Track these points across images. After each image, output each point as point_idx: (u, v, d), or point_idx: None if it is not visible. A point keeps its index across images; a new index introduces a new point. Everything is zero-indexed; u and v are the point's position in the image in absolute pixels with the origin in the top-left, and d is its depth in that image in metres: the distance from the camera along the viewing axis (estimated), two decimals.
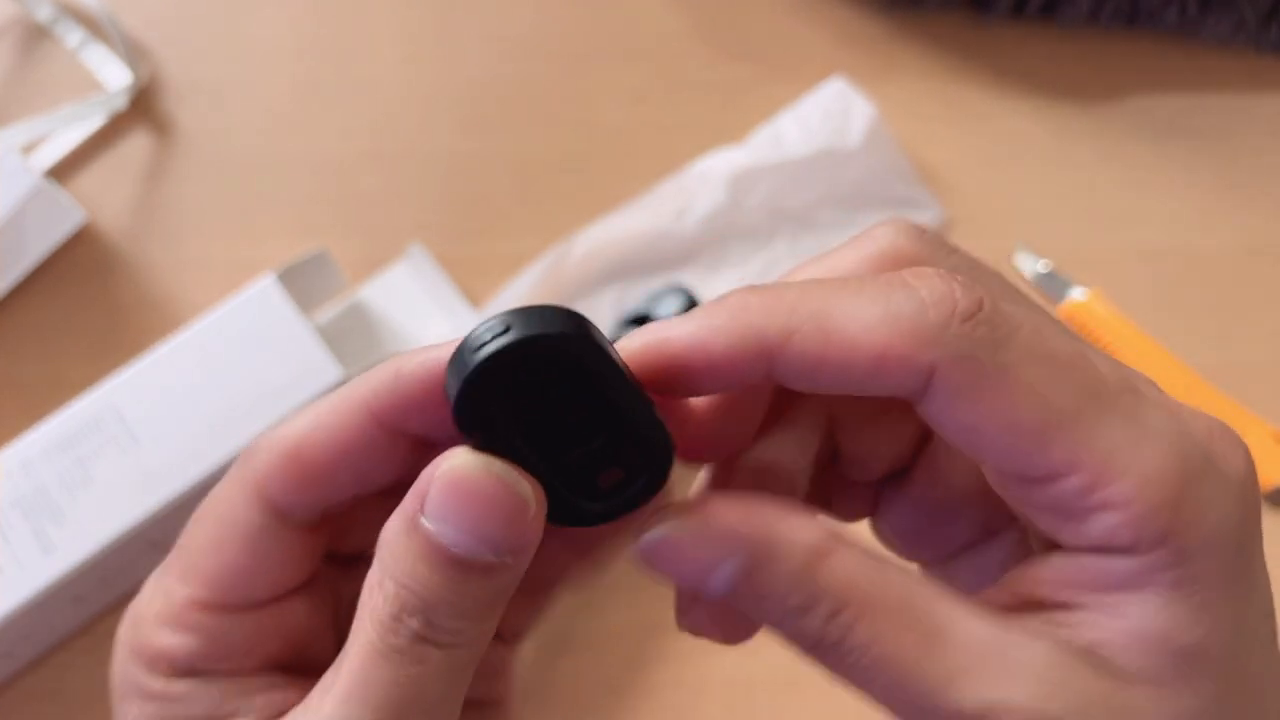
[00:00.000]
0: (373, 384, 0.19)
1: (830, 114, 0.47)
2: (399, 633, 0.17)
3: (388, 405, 0.19)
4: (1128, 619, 0.17)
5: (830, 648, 0.17)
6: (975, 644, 0.17)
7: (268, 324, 0.38)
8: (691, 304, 0.41)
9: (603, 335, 0.18)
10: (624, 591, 0.40)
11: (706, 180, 0.46)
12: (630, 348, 0.19)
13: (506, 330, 0.17)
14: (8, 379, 0.43)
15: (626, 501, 0.19)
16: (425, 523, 0.17)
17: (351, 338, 0.43)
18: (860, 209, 0.46)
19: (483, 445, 0.18)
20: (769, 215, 0.46)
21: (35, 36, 0.49)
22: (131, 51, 0.48)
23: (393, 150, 0.48)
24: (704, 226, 0.45)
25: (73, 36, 0.48)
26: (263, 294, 0.38)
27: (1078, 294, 0.45)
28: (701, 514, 0.18)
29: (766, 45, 0.50)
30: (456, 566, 0.17)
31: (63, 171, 0.46)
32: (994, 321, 0.17)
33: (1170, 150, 0.49)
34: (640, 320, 0.41)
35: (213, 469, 0.36)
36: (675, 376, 0.18)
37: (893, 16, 0.51)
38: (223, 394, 0.37)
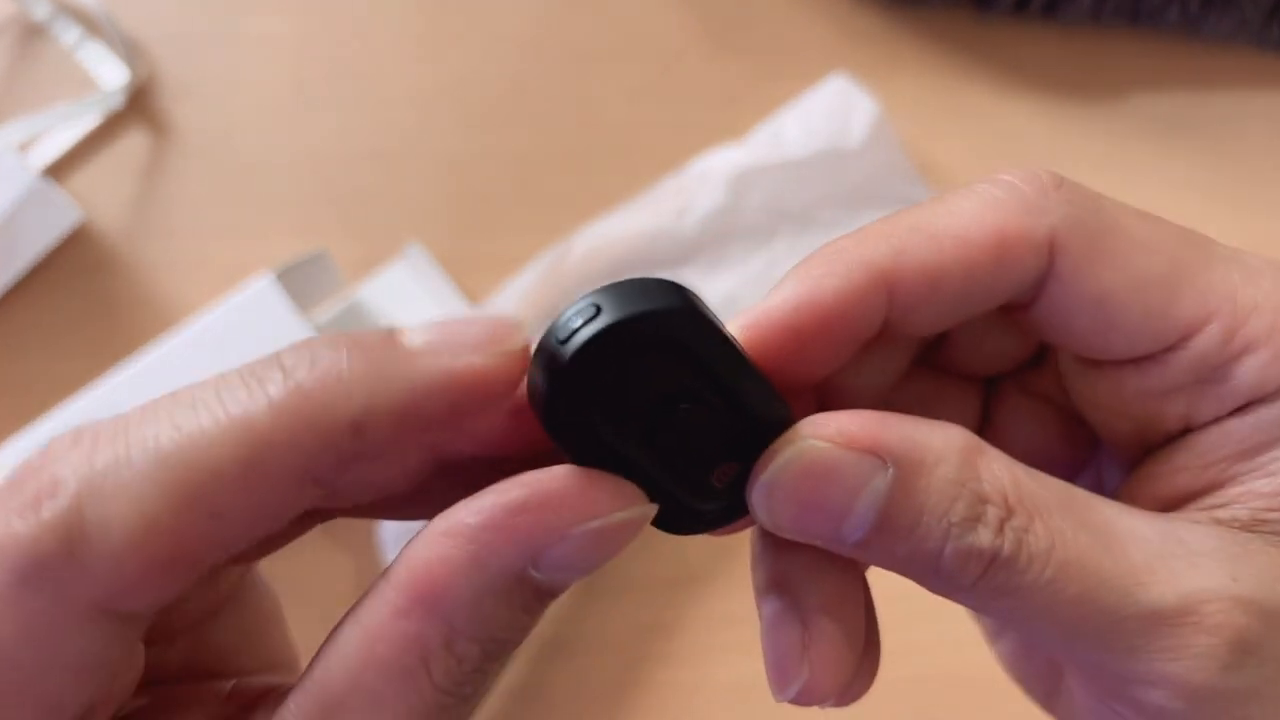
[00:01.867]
0: (297, 436, 0.13)
1: (832, 111, 0.47)
2: (465, 686, 0.15)
3: (336, 455, 0.13)
4: None
5: (1005, 565, 0.15)
6: (1148, 539, 0.16)
7: (266, 323, 0.38)
8: None
9: (708, 308, 0.16)
10: (624, 593, 0.40)
11: (706, 180, 0.46)
12: (733, 330, 0.16)
13: (597, 313, 0.15)
14: (4, 378, 0.42)
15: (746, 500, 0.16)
16: (536, 575, 0.14)
17: None
18: (861, 207, 0.46)
19: (579, 454, 0.15)
20: (769, 214, 0.46)
21: (32, 34, 0.48)
22: (129, 50, 0.48)
23: (391, 149, 0.47)
24: (704, 226, 0.45)
25: (69, 35, 0.48)
26: (262, 293, 0.38)
27: None
28: (832, 428, 0.15)
29: (767, 43, 0.50)
30: (546, 600, 0.15)
31: (59, 170, 0.46)
32: (1081, 187, 0.17)
33: (1172, 148, 0.49)
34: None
35: None
36: (789, 349, 0.16)
37: (894, 13, 0.51)
38: None
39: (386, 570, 0.15)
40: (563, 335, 0.15)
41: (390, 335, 0.14)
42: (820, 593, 0.17)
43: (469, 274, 0.45)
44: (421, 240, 0.45)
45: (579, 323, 0.15)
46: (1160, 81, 0.50)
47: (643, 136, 0.48)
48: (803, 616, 0.17)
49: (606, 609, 0.40)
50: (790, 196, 0.46)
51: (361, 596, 0.15)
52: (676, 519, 0.16)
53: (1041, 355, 0.20)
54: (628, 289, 0.15)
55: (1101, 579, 0.15)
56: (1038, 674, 0.21)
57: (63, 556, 0.12)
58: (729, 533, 0.18)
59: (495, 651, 0.15)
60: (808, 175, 0.46)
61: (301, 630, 0.20)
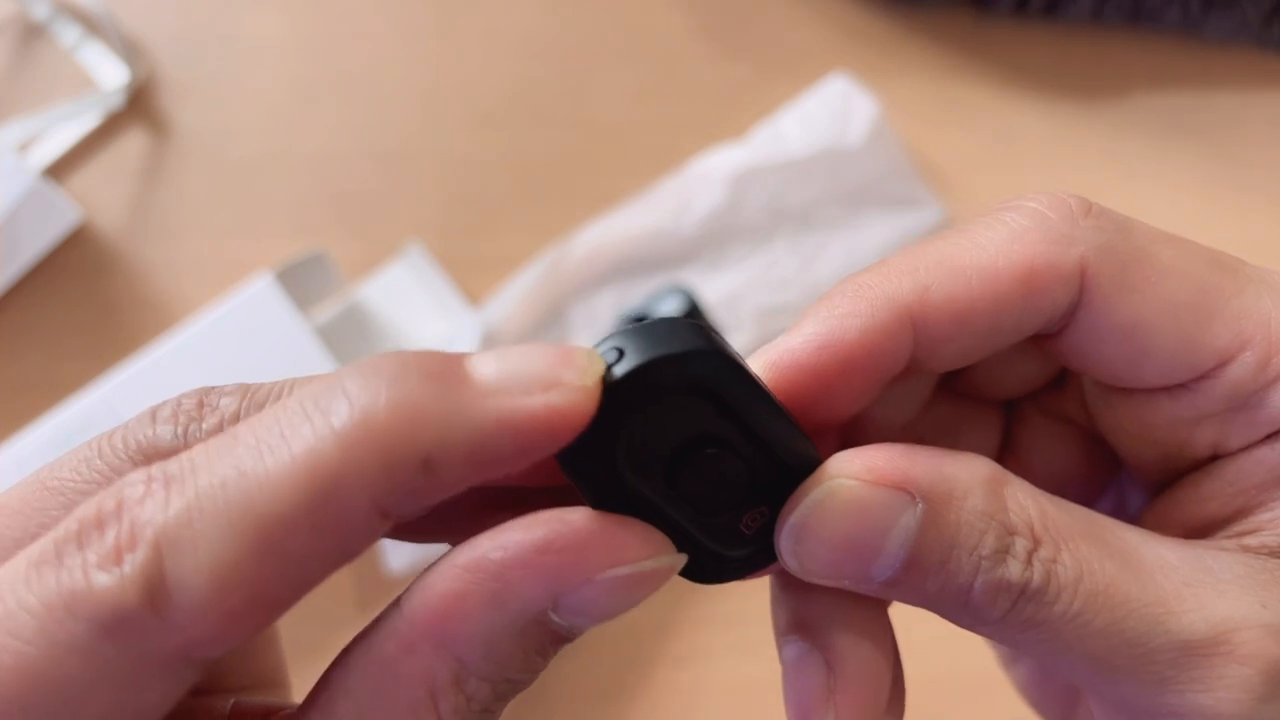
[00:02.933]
0: (368, 472, 0.12)
1: (832, 111, 0.47)
2: None
3: (405, 491, 0.13)
4: None
5: (1033, 597, 0.15)
6: (1176, 567, 0.15)
7: (266, 324, 0.37)
8: (691, 304, 0.40)
9: (733, 349, 0.15)
10: None
11: (706, 179, 0.45)
12: (755, 369, 0.16)
13: (621, 356, 0.14)
14: (4, 378, 0.42)
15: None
16: (554, 618, 0.14)
17: (349, 337, 0.43)
18: (861, 207, 0.46)
19: (599, 499, 0.15)
20: (769, 214, 0.46)
21: (32, 34, 0.48)
22: (128, 50, 0.48)
23: (391, 149, 0.47)
24: (704, 226, 0.45)
25: (69, 34, 0.48)
26: (261, 294, 0.38)
27: None
28: (860, 466, 0.15)
29: (767, 42, 0.50)
30: (560, 644, 0.15)
31: (59, 170, 0.46)
32: (1109, 212, 0.17)
33: (1172, 148, 0.49)
34: (640, 320, 0.41)
35: None
36: (813, 390, 0.16)
37: (895, 14, 0.51)
38: None
39: (399, 599, 0.14)
40: None
41: (459, 365, 0.13)
42: (845, 634, 0.16)
43: (469, 274, 0.45)
44: (421, 240, 0.45)
45: (602, 367, 0.14)
46: (1160, 81, 0.50)
47: (643, 137, 0.48)
48: (827, 659, 0.16)
49: None
50: (790, 196, 0.46)
51: (373, 623, 0.14)
52: (706, 568, 0.16)
53: (1063, 376, 0.20)
54: (651, 330, 0.14)
55: (1130, 609, 0.15)
56: (1054, 700, 0.21)
57: (145, 611, 0.12)
58: (759, 576, 0.17)
59: (506, 691, 0.14)
60: (808, 175, 0.46)
61: (298, 638, 0.20)
